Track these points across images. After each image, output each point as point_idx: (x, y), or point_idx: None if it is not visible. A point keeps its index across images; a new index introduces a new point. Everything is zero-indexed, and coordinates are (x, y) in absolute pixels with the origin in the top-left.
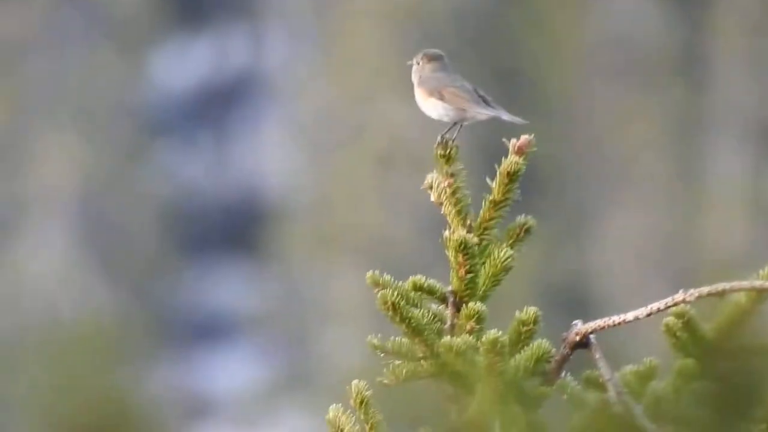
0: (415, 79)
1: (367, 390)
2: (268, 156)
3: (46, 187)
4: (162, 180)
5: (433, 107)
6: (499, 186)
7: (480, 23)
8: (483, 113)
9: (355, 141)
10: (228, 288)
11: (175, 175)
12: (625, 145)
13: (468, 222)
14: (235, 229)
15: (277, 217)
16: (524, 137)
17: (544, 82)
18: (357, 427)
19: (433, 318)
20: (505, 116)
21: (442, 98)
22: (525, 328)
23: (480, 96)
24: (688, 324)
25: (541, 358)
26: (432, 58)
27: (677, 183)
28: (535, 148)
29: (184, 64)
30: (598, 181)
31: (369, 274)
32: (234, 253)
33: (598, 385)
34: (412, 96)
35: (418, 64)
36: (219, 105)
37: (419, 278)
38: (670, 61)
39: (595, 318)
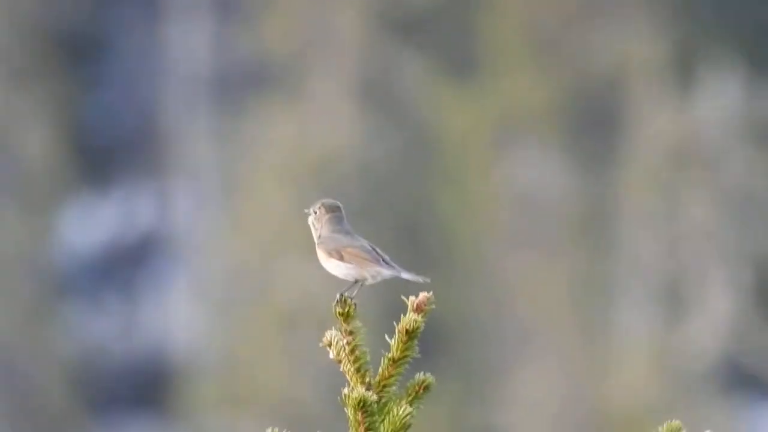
0: (313, 230)
1: None
2: (176, 315)
3: None
4: (69, 340)
5: (335, 267)
6: (398, 343)
7: (386, 182)
8: (384, 272)
9: (260, 300)
10: None
11: (81, 335)
12: (532, 306)
13: (367, 379)
14: (142, 389)
15: (184, 377)
16: (423, 295)
17: (451, 243)
18: None
19: None
20: (406, 274)
21: (341, 258)
22: None
23: (378, 255)
24: None
25: None
26: (329, 209)
27: (583, 343)
28: (434, 306)
29: (90, 224)
30: (504, 339)
31: (268, 431)
32: (141, 412)
33: None
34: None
35: (315, 213)
36: (126, 265)
37: None
38: (575, 223)
39: None
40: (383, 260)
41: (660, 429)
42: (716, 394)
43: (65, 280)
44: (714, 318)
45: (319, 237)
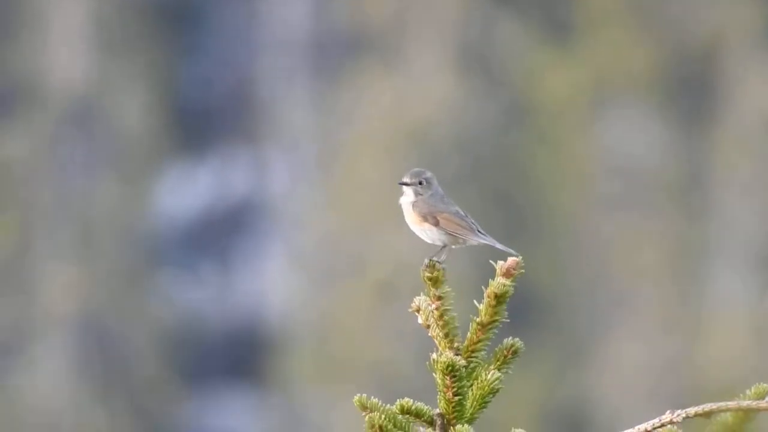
0: (405, 199)
1: None
2: (271, 284)
3: (47, 313)
4: (164, 307)
5: (427, 232)
6: (487, 308)
7: (483, 148)
8: (477, 240)
9: (356, 269)
10: (229, 415)
11: (177, 302)
12: (626, 271)
13: (456, 344)
14: (237, 357)
15: (279, 345)
16: (511, 259)
17: (546, 208)
18: None
19: None
20: (499, 245)
21: (437, 224)
22: None
23: (472, 223)
24: None
25: None
26: (425, 180)
27: (678, 309)
28: (523, 270)
29: (186, 192)
30: (599, 306)
31: (357, 397)
32: (236, 380)
33: None
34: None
35: (422, 183)
36: (221, 232)
37: (407, 401)
38: (671, 187)
39: None
40: (477, 230)
41: (748, 392)
42: None
43: (161, 247)
44: None
45: (414, 201)
